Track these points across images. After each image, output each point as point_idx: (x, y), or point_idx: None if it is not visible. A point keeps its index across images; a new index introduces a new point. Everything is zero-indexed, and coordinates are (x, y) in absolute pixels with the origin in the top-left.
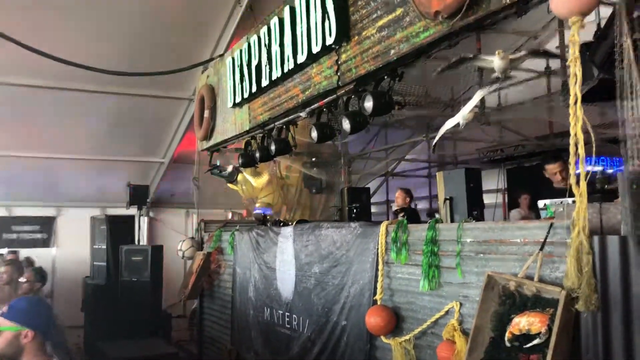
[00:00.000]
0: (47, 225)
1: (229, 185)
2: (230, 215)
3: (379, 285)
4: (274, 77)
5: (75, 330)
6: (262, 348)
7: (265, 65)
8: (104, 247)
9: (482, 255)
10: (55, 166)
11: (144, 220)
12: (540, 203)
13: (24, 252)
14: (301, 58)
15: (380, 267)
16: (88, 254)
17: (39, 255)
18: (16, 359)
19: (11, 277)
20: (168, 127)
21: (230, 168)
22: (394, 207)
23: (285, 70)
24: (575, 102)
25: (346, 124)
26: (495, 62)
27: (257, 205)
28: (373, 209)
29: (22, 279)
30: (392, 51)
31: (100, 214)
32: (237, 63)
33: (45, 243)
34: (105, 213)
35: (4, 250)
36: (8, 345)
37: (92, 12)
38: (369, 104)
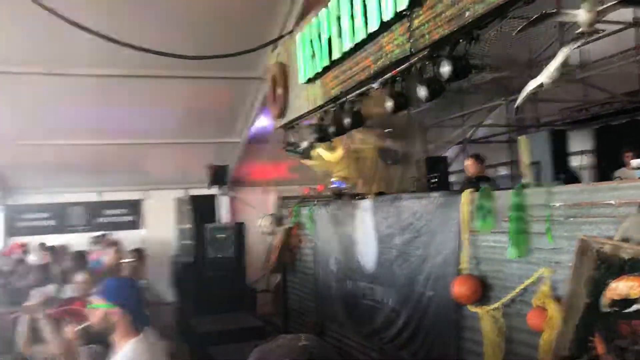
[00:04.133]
0: (134, 208)
1: (304, 161)
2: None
3: (463, 254)
4: (344, 50)
5: (166, 307)
6: (346, 319)
7: (336, 38)
8: (189, 226)
9: (572, 219)
10: (140, 152)
11: (225, 199)
12: (634, 162)
13: (114, 235)
14: (372, 27)
15: (464, 236)
16: (174, 234)
17: (129, 237)
18: (108, 335)
19: (117, 260)
20: (241, 107)
21: (305, 144)
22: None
23: (357, 41)
24: None
25: (422, 92)
26: (580, 15)
27: (333, 179)
28: (451, 179)
29: (128, 259)
30: (467, 13)
31: (184, 195)
32: (307, 39)
33: (134, 225)
34: (188, 194)
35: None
36: (101, 321)
37: None
38: (445, 69)
